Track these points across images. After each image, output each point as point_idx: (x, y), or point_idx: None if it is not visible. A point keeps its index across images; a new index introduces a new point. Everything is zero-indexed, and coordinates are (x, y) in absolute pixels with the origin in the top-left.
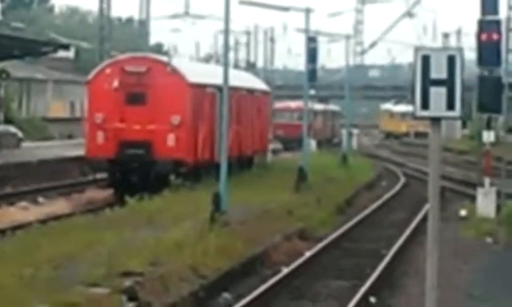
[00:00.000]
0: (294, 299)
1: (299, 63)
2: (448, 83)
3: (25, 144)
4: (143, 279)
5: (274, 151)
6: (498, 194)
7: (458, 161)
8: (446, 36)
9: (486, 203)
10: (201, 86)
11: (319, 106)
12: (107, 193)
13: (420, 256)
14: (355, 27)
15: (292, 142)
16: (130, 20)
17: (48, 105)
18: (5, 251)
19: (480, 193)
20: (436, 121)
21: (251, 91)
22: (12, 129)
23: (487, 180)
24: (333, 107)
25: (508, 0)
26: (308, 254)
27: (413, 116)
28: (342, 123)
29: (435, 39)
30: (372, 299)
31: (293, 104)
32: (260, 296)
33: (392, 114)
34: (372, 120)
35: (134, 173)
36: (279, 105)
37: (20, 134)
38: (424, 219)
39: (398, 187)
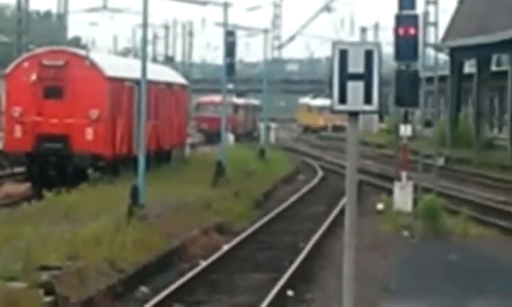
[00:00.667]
0: (212, 293)
1: (217, 57)
2: (366, 77)
3: None
4: (60, 274)
5: (193, 145)
6: (415, 187)
7: (375, 155)
8: (364, 30)
9: (402, 196)
10: (120, 80)
11: (240, 100)
12: (25, 187)
13: (337, 249)
14: (273, 22)
15: (216, 136)
16: (48, 14)
17: None
18: None
19: (397, 187)
20: (353, 115)
21: (169, 85)
22: None
23: (404, 174)
24: (254, 101)
25: None
26: (225, 247)
27: (331, 110)
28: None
29: (353, 33)
30: (290, 292)
31: (217, 98)
32: (178, 290)
33: (309, 108)
34: (290, 114)
35: (52, 166)
36: (203, 99)
37: None
38: (342, 212)
39: (316, 180)
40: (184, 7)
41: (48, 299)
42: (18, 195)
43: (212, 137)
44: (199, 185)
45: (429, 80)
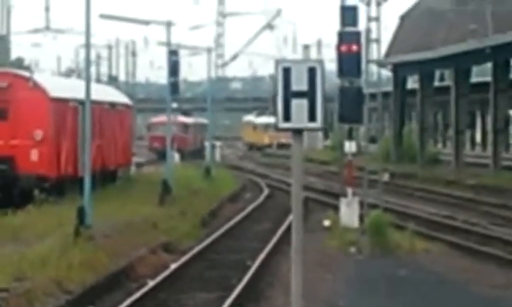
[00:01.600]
0: None
1: (161, 76)
2: (310, 95)
3: None
4: (7, 295)
5: (138, 165)
6: (361, 203)
7: (321, 171)
8: (306, 47)
9: (349, 212)
10: (64, 101)
11: (190, 119)
12: None
13: (285, 267)
14: (216, 40)
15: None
16: None
17: None
18: None
19: (343, 203)
20: (298, 132)
21: (113, 105)
22: None
23: (350, 190)
24: (202, 120)
25: (367, 11)
26: (173, 266)
27: (276, 128)
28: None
29: (296, 50)
30: None
31: (164, 119)
32: None
33: (254, 126)
34: (235, 132)
35: None
36: (154, 119)
37: None
38: (288, 230)
39: (262, 198)
40: (127, 27)
41: None
42: None
43: (164, 155)
44: (145, 205)
45: (373, 96)
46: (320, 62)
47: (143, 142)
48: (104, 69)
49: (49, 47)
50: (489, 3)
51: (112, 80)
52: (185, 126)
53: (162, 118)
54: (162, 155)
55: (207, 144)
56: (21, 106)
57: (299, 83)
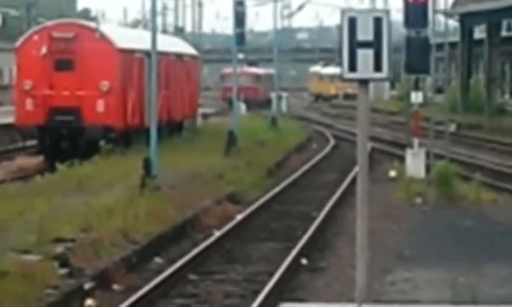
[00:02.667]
0: (226, 262)
1: (227, 27)
2: (375, 45)
3: None
4: (74, 245)
5: (205, 116)
6: (427, 154)
7: (387, 122)
8: None
9: (415, 163)
10: (130, 52)
11: (261, 70)
12: (37, 160)
13: (350, 217)
14: None
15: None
16: None
17: None
18: None
19: (409, 154)
20: (363, 82)
21: (179, 56)
22: None
23: (416, 141)
24: (272, 71)
25: None
26: (239, 217)
27: (341, 78)
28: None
29: (362, 1)
30: (304, 261)
31: (244, 70)
32: (192, 260)
33: (320, 77)
34: (301, 83)
35: (63, 139)
36: (227, 70)
37: None
38: (354, 181)
39: (328, 149)
40: None
41: (63, 270)
42: (31, 168)
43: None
44: (211, 155)
45: (440, 46)
46: (386, 12)
47: (209, 93)
48: (170, 20)
49: None
50: None
51: (179, 31)
52: (257, 76)
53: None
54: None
55: (272, 94)
56: (87, 57)
57: (365, 33)
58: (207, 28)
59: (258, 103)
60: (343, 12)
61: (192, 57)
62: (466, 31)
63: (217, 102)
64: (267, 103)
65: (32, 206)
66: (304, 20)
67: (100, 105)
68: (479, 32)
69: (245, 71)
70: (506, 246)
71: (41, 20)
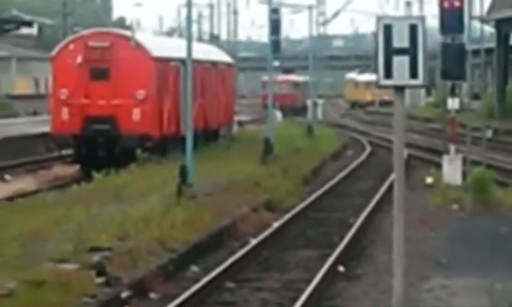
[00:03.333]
0: (263, 270)
1: (262, 35)
2: (411, 52)
3: None
4: (111, 254)
5: (240, 123)
6: (464, 160)
7: (423, 129)
8: (408, 4)
9: (451, 170)
10: (165, 60)
11: (300, 78)
12: (73, 169)
13: (387, 224)
14: None
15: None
16: None
17: (13, 82)
18: None
19: (445, 160)
20: (399, 89)
21: (215, 64)
22: None
23: (452, 147)
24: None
25: None
26: (275, 225)
27: (377, 85)
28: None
29: (398, 7)
30: (341, 268)
31: (280, 77)
32: (229, 268)
33: (356, 83)
34: (337, 90)
35: (100, 148)
36: (267, 77)
37: None
38: (391, 187)
39: (364, 156)
40: None
41: (100, 279)
42: (68, 177)
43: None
44: (247, 163)
45: (475, 52)
46: (422, 19)
47: (244, 101)
48: (205, 28)
49: (151, 6)
50: None
51: (214, 39)
52: (296, 84)
53: (276, 77)
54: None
55: (308, 102)
56: (123, 66)
57: (401, 40)
58: (242, 36)
59: (296, 110)
60: (378, 19)
61: (228, 64)
62: (502, 36)
63: (253, 109)
64: (304, 110)
65: (69, 215)
66: (339, 27)
67: (136, 114)
68: None
69: (285, 78)
70: None
71: (77, 29)
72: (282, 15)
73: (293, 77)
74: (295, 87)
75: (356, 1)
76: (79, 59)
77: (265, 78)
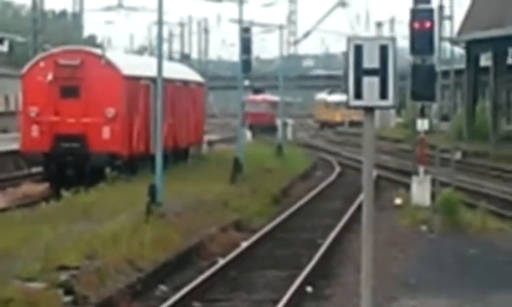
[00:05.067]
0: (231, 290)
1: (233, 54)
2: (381, 72)
3: None
4: (79, 273)
5: (210, 143)
6: (433, 182)
7: (393, 149)
8: (379, 25)
9: (420, 191)
10: (136, 78)
11: (277, 98)
12: (42, 187)
13: (356, 245)
14: (288, 17)
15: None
16: (63, 13)
17: None
18: None
19: (415, 181)
20: (369, 110)
21: (185, 83)
22: None
23: (421, 168)
24: (288, 98)
25: None
26: (244, 245)
27: (347, 106)
28: (291, 113)
29: (368, 28)
30: (309, 289)
31: (258, 97)
32: (197, 287)
33: (326, 104)
34: (307, 110)
35: (69, 166)
36: (247, 97)
37: None
38: (360, 208)
39: (333, 176)
40: (199, 4)
41: (67, 298)
42: (36, 195)
43: (257, 129)
44: (217, 183)
45: (445, 74)
46: (392, 40)
47: (214, 120)
48: (176, 46)
49: (122, 24)
50: None
51: (185, 58)
52: (274, 104)
53: (255, 96)
54: (254, 128)
55: (277, 122)
56: (93, 84)
57: (371, 61)
58: (213, 55)
59: (273, 128)
60: (349, 39)
61: (198, 83)
62: (472, 58)
63: (222, 128)
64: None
65: (37, 234)
66: (310, 47)
67: (106, 132)
68: (485, 60)
69: (263, 98)
70: (511, 275)
71: (48, 47)
72: (253, 35)
73: (271, 97)
74: (273, 106)
75: (326, 21)
76: (49, 77)
77: (246, 97)
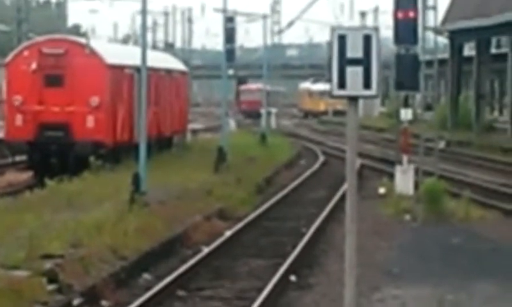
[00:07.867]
0: (215, 279)
1: (217, 43)
2: (365, 62)
3: None
4: (63, 261)
5: (194, 131)
6: (416, 171)
7: (376, 139)
8: (363, 14)
9: (404, 180)
10: (120, 67)
11: (268, 87)
12: (26, 175)
13: (339, 233)
14: (272, 7)
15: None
16: (47, 2)
17: None
18: None
19: (398, 170)
20: (353, 99)
21: (169, 72)
22: None
23: (405, 158)
24: (279, 88)
25: None
26: (228, 233)
27: (331, 95)
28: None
29: (352, 17)
30: (293, 278)
31: (252, 86)
32: (180, 276)
33: (310, 93)
34: (291, 99)
35: (53, 154)
36: (242, 87)
37: None
38: (343, 197)
39: (317, 165)
40: None
41: (51, 286)
42: (20, 183)
43: (252, 116)
44: (201, 172)
45: (429, 63)
46: (376, 29)
47: (198, 109)
48: (160, 36)
49: (106, 13)
50: None
51: (169, 47)
52: (268, 93)
53: (250, 85)
54: (250, 116)
55: (261, 111)
56: (77, 73)
57: (355, 50)
58: (197, 44)
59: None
60: (333, 29)
61: (182, 73)
62: (455, 48)
63: (206, 117)
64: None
65: (21, 222)
66: (294, 37)
67: (90, 121)
68: (469, 50)
69: (259, 87)
70: (494, 263)
71: (32, 36)
72: (237, 24)
73: (267, 87)
74: (267, 95)
75: (310, 11)
76: (33, 66)
77: (242, 87)
